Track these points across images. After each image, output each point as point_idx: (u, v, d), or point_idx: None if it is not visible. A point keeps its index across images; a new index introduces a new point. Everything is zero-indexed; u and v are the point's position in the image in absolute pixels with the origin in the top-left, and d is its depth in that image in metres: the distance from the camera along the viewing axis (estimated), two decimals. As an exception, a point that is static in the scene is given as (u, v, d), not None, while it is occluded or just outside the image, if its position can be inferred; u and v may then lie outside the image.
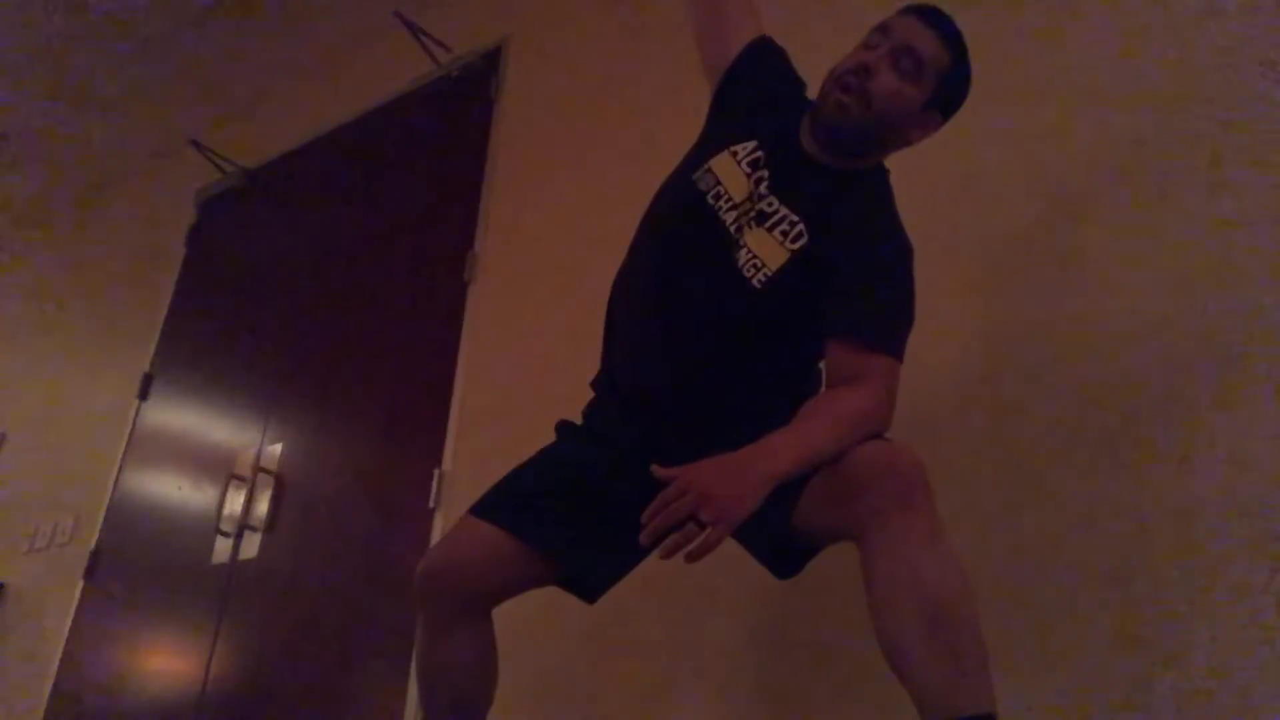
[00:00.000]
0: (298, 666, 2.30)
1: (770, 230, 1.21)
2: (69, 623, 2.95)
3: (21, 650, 3.08)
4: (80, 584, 3.00)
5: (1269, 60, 1.48)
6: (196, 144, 3.54)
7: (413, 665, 2.01)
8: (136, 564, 2.91)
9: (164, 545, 2.86)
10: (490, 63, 2.88)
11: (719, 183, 1.26)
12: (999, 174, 1.69)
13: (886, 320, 1.17)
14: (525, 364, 2.24)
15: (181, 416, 3.17)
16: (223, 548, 2.64)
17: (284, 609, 2.41)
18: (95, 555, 3.04)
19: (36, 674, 2.91)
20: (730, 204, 1.24)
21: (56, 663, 2.89)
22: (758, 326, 1.23)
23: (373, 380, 2.62)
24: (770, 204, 1.22)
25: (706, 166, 1.28)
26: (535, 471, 1.34)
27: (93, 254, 4.18)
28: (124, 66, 3.57)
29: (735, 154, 1.27)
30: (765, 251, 1.21)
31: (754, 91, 1.35)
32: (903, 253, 1.23)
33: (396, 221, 2.88)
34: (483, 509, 1.30)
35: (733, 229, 1.23)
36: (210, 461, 2.88)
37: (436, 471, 2.25)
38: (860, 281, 1.18)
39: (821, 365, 1.28)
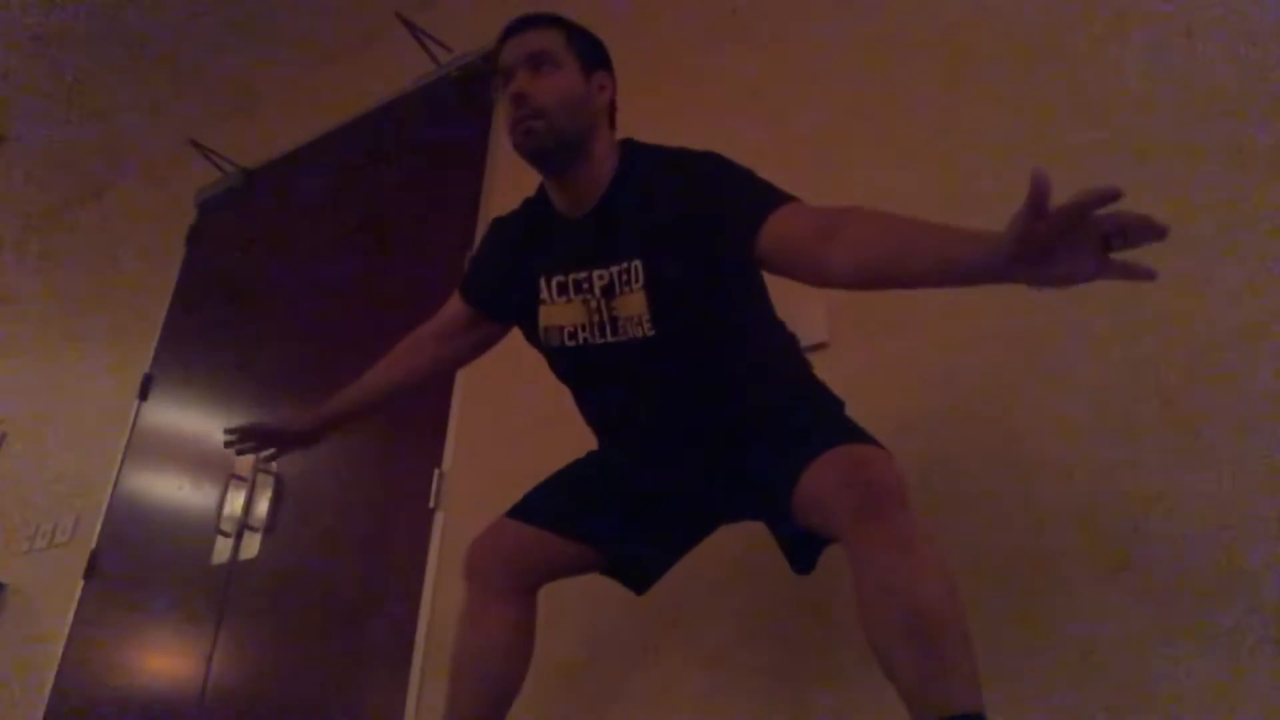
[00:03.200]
0: (298, 666, 2.30)
1: (621, 294, 1.22)
2: (69, 623, 2.95)
3: (21, 650, 3.08)
4: (80, 584, 3.01)
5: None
6: (196, 144, 3.54)
7: (413, 664, 2.02)
8: (136, 564, 2.91)
9: (164, 545, 2.86)
10: (490, 63, 2.88)
11: (561, 328, 1.29)
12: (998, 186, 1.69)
13: (757, 193, 1.17)
14: (525, 364, 2.23)
15: (181, 416, 3.17)
16: (223, 548, 2.64)
17: (284, 609, 2.41)
18: (95, 555, 3.04)
19: (36, 674, 2.91)
20: (583, 326, 1.27)
21: (56, 663, 2.89)
22: (696, 353, 1.24)
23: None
24: (601, 276, 1.24)
25: (542, 328, 1.31)
26: (574, 472, 1.41)
27: (93, 254, 4.18)
28: (124, 66, 3.57)
29: (543, 300, 1.30)
30: (632, 307, 1.22)
31: (501, 271, 1.39)
32: (714, 158, 1.24)
33: (396, 221, 2.88)
34: (523, 513, 1.36)
35: (608, 333, 1.25)
36: (210, 461, 2.88)
37: (436, 471, 2.25)
38: (721, 207, 1.17)
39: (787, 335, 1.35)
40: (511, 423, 2.14)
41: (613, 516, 1.34)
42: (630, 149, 1.31)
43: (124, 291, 3.82)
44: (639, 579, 1.39)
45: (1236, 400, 1.33)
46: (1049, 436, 1.46)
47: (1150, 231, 0.79)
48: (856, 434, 1.16)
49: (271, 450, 1.53)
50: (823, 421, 1.21)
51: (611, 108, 1.33)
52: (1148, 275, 0.82)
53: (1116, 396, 1.43)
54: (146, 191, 4.08)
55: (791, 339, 1.42)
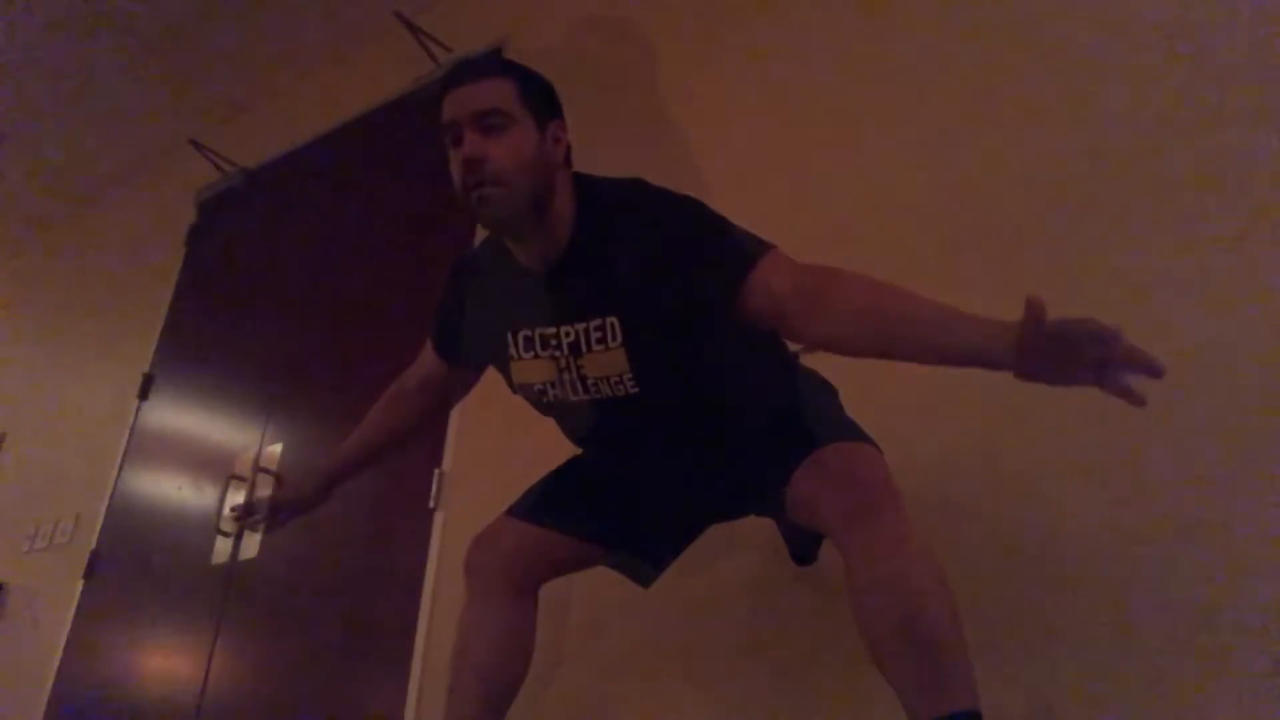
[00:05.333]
0: (298, 667, 2.30)
1: (591, 351, 1.17)
2: (69, 623, 2.95)
3: (21, 650, 3.08)
4: (80, 584, 3.01)
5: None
6: (196, 144, 3.54)
7: (413, 664, 2.03)
8: (136, 564, 2.91)
9: (164, 545, 2.86)
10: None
11: (532, 385, 1.25)
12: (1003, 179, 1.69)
13: (732, 252, 1.12)
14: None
15: (181, 416, 3.17)
16: (223, 548, 2.64)
17: (284, 609, 2.41)
18: (95, 555, 3.04)
19: (36, 674, 2.91)
20: (553, 383, 1.23)
21: (56, 663, 2.89)
22: (685, 397, 1.21)
23: (373, 380, 2.58)
24: (568, 334, 1.19)
25: (515, 384, 1.28)
26: (572, 469, 1.41)
27: (93, 254, 4.18)
28: (124, 66, 3.57)
29: (512, 356, 1.26)
30: (608, 366, 1.17)
31: (467, 325, 1.35)
32: (685, 211, 1.17)
33: (396, 221, 2.88)
34: (523, 512, 1.37)
35: (580, 391, 1.21)
36: (210, 461, 2.88)
37: (436, 471, 2.25)
38: (690, 263, 1.12)
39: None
40: (511, 423, 2.14)
41: (612, 513, 1.34)
42: (589, 191, 1.22)
43: (124, 291, 3.82)
44: (644, 574, 1.40)
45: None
46: (1049, 435, 1.46)
47: (1147, 369, 0.82)
48: (846, 429, 1.16)
49: (280, 519, 1.53)
50: (812, 419, 1.20)
51: (567, 153, 1.23)
52: (1138, 403, 0.85)
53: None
54: (146, 191, 4.08)
55: (770, 334, 1.36)
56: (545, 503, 1.37)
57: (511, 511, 1.38)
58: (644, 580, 1.40)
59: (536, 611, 1.35)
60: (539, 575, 1.36)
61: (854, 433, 1.15)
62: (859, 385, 1.39)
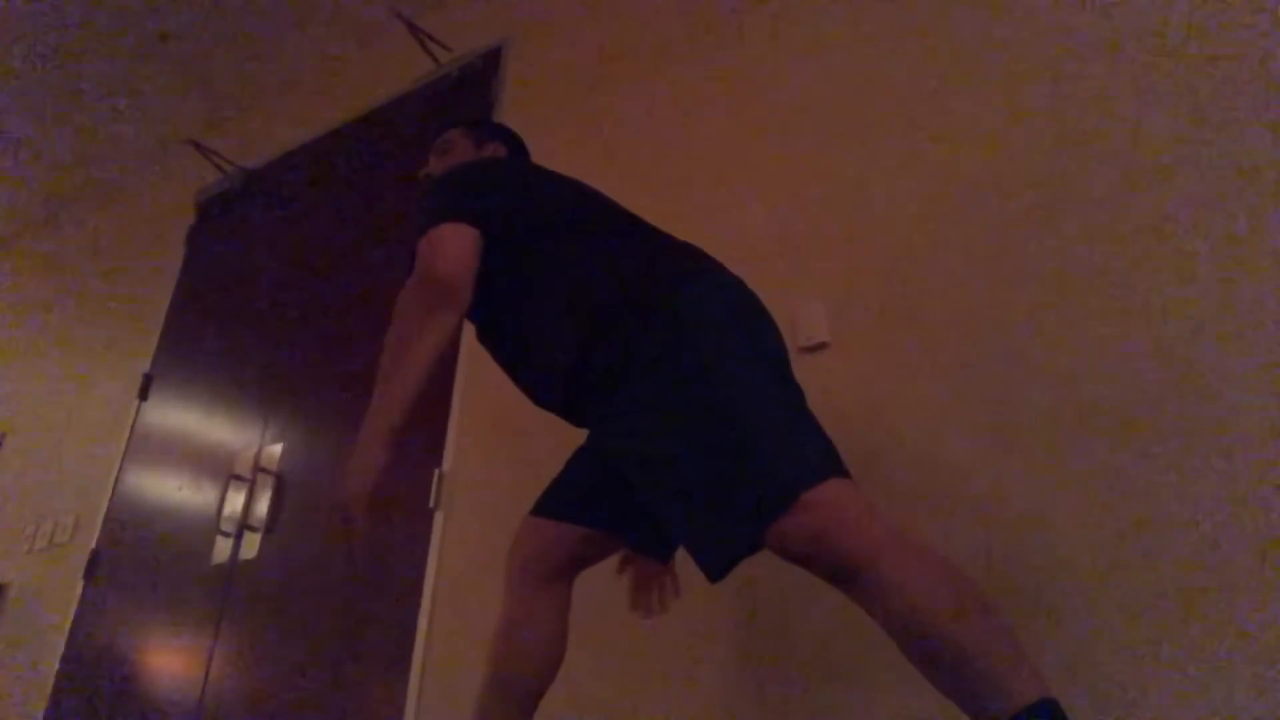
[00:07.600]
0: (298, 667, 2.29)
1: None
2: (69, 623, 2.95)
3: (21, 650, 3.08)
4: (80, 584, 3.01)
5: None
6: (196, 144, 3.54)
7: (413, 664, 2.03)
8: (136, 564, 2.91)
9: (164, 545, 2.86)
10: (490, 63, 2.88)
11: None
12: (992, 174, 1.69)
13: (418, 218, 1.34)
14: (525, 364, 2.23)
15: (181, 416, 3.17)
16: (223, 548, 2.64)
17: (284, 609, 2.41)
18: (95, 555, 3.04)
19: (37, 674, 2.91)
20: None
21: (57, 663, 2.89)
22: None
23: (373, 380, 2.60)
24: None
25: None
26: (576, 457, 1.45)
27: (93, 254, 4.18)
28: (124, 66, 3.57)
29: None
30: None
31: None
32: (434, 183, 1.43)
33: (397, 221, 2.88)
34: (534, 507, 1.42)
35: None
36: (210, 461, 2.88)
37: (436, 471, 2.25)
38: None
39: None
40: (511, 423, 2.14)
41: (608, 497, 1.36)
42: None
43: (124, 291, 3.82)
44: (658, 552, 1.42)
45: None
46: (1049, 435, 1.46)
47: None
48: (794, 461, 1.04)
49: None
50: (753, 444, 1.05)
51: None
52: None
53: (1114, 394, 1.43)
54: (146, 191, 4.08)
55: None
56: (548, 494, 1.41)
57: (531, 509, 1.42)
58: (661, 557, 1.42)
59: (565, 602, 1.38)
60: (556, 566, 1.37)
61: (800, 464, 1.04)
62: (861, 389, 1.39)
